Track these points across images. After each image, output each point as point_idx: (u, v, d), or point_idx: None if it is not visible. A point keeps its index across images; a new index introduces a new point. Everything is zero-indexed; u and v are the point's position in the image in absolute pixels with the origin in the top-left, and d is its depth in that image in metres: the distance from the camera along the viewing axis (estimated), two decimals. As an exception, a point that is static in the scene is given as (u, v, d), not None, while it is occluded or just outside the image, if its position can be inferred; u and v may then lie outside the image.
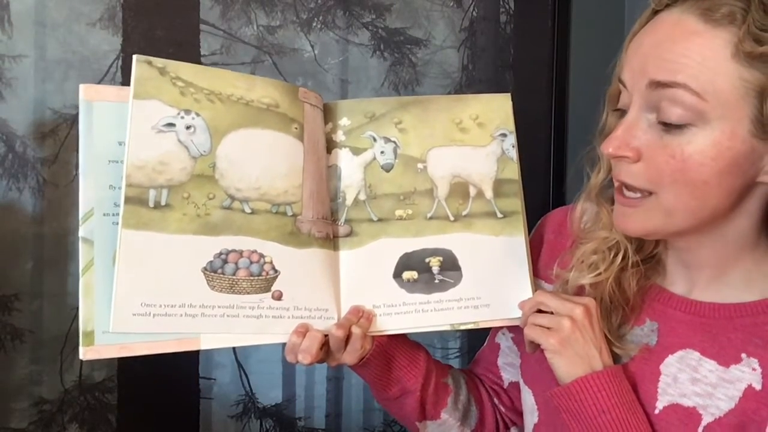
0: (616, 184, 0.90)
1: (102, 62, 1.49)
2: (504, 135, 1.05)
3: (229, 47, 1.54)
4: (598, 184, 0.97)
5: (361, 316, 0.98)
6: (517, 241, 1.03)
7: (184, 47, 1.52)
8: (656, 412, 0.90)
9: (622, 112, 0.87)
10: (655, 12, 0.86)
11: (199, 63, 1.49)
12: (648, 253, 0.98)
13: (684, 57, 0.79)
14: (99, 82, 1.48)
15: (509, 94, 1.07)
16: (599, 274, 0.96)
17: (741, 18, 0.78)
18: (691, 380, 0.89)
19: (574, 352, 0.91)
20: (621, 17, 1.66)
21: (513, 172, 1.05)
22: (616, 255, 0.96)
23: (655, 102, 0.82)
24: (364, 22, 1.60)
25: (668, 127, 0.81)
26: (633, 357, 0.94)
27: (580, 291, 0.98)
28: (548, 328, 0.93)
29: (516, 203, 1.04)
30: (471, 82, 1.63)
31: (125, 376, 1.54)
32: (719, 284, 0.92)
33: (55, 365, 1.51)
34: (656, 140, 0.83)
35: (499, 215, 1.04)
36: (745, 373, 0.86)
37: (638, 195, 0.86)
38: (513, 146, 1.05)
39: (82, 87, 0.91)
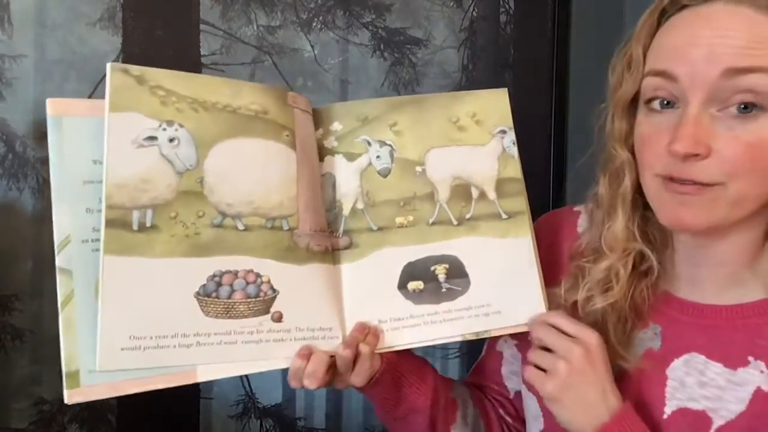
0: (658, 177, 0.82)
1: (102, 62, 1.40)
2: (503, 132, 0.97)
3: (229, 47, 1.47)
4: (629, 190, 0.89)
5: (367, 332, 0.89)
6: (524, 242, 0.95)
7: (184, 47, 1.45)
8: (665, 416, 0.84)
9: (654, 112, 0.82)
10: (683, 7, 0.80)
11: (199, 63, 1.44)
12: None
13: (758, 43, 0.75)
14: (99, 83, 1.42)
15: (506, 89, 0.98)
16: (613, 292, 0.88)
17: None
18: (699, 384, 0.83)
19: (573, 398, 0.84)
20: (621, 17, 1.58)
21: (515, 170, 0.97)
22: (630, 265, 0.89)
23: (723, 92, 0.76)
24: (364, 22, 1.53)
25: (739, 116, 0.76)
26: (638, 363, 0.87)
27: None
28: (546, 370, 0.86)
29: (521, 202, 0.96)
30: (471, 83, 1.56)
31: (125, 377, 1.49)
32: (725, 286, 0.86)
33: (55, 365, 1.40)
34: (725, 132, 0.77)
35: (504, 216, 0.95)
36: (754, 376, 0.81)
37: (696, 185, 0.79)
38: (513, 143, 0.97)
39: (48, 101, 0.81)
